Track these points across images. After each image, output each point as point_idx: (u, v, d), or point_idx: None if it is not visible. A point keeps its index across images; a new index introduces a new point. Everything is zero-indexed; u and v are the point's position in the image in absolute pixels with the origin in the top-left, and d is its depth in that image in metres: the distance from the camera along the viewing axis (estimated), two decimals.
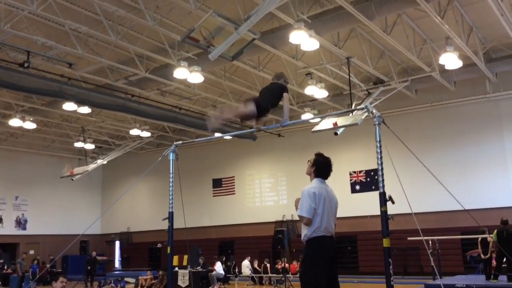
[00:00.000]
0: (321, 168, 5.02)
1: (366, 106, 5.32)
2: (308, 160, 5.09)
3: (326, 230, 4.72)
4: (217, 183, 24.59)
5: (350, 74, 14.62)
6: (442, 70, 15.42)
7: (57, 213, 26.11)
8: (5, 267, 21.87)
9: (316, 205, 4.69)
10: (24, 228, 25.56)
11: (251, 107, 5.38)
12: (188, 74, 13.54)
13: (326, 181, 5.06)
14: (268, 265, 19.16)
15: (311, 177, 5.04)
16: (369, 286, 14.81)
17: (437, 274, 9.04)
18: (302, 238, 4.83)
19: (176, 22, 12.30)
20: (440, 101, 18.39)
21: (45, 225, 25.60)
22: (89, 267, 19.82)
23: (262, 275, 19.12)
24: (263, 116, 5.85)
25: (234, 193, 23.81)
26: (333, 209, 4.88)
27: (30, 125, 19.15)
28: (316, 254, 4.66)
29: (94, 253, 21.12)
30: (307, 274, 4.68)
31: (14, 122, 18.65)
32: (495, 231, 12.39)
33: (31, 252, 24.40)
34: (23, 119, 18.73)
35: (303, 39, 11.38)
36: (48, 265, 18.62)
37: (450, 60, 13.47)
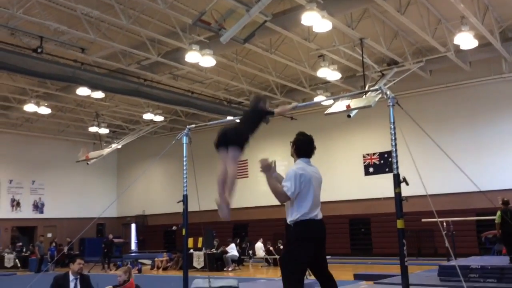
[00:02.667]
0: (301, 146, 4.73)
1: (380, 87, 5.27)
2: (290, 141, 4.83)
3: (313, 213, 4.50)
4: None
5: (364, 55, 14.46)
6: (457, 50, 15.19)
7: (73, 196, 26.49)
8: (24, 250, 22.36)
9: (301, 189, 4.46)
10: (42, 212, 26.02)
11: (234, 159, 4.46)
12: (199, 58, 13.51)
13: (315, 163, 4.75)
14: (281, 246, 19.29)
15: (294, 159, 4.76)
16: (383, 267, 14.85)
17: (452, 255, 9.03)
18: (288, 220, 4.59)
19: (187, 5, 12.24)
20: (455, 81, 18.16)
21: (62, 209, 26.01)
22: (106, 250, 20.12)
23: (275, 256, 19.27)
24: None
25: (248, 177, 23.86)
26: (319, 191, 4.64)
27: (45, 110, 19.36)
28: (299, 238, 4.48)
29: (110, 236, 21.42)
30: (288, 256, 4.57)
31: (29, 107, 18.88)
32: (498, 212, 12.27)
33: (49, 235, 24.85)
34: (38, 104, 18.94)
35: (316, 20, 11.26)
36: (65, 248, 18.95)
37: (465, 40, 13.26)
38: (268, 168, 4.62)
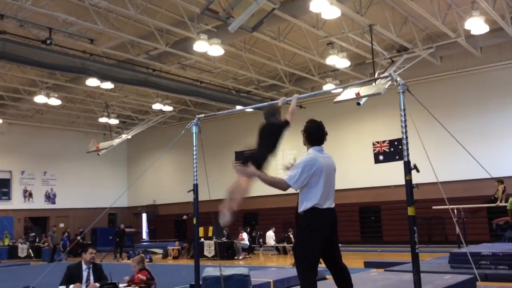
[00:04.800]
0: (312, 133, 4.71)
1: (390, 74, 5.22)
2: (301, 131, 4.80)
3: (323, 201, 4.49)
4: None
5: (373, 42, 14.34)
6: (468, 35, 15.00)
7: (85, 187, 26.74)
8: (37, 240, 22.66)
9: (310, 180, 4.45)
10: (54, 202, 26.31)
11: (250, 174, 4.67)
12: (208, 47, 13.48)
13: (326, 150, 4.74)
14: (291, 235, 19.35)
15: (307, 147, 4.76)
16: (393, 255, 14.86)
17: (463, 242, 8.99)
18: (299, 210, 4.61)
19: None
20: (465, 67, 17.97)
21: (74, 199, 26.28)
22: (118, 239, 20.32)
23: (285, 245, 19.35)
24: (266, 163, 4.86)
25: None
26: (331, 179, 4.62)
27: (55, 101, 19.48)
28: (311, 226, 4.48)
29: (122, 226, 21.62)
30: (300, 245, 4.56)
31: (39, 98, 19.01)
32: (510, 198, 12.27)
33: (61, 225, 25.15)
34: (48, 96, 19.06)
35: (324, 7, 11.17)
36: (79, 237, 19.16)
37: (476, 25, 13.08)
38: (252, 174, 4.63)
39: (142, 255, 8.57)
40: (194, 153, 6.74)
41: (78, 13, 12.64)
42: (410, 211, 4.58)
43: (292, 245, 19.04)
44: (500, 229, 15.81)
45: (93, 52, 15.14)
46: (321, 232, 4.49)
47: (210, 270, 6.97)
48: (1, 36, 12.69)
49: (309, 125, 4.77)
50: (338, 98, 13.84)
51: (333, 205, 4.62)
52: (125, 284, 6.95)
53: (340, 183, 4.88)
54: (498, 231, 16.27)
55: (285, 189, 4.54)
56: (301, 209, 4.61)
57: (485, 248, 9.71)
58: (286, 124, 5.05)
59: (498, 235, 16.36)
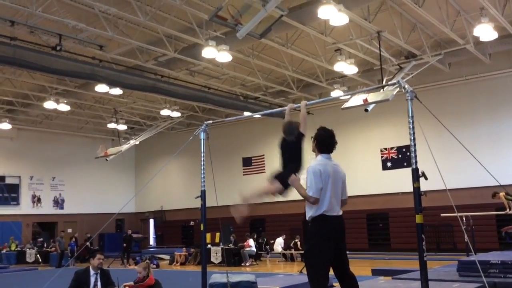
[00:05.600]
0: (322, 141, 4.75)
1: (398, 81, 5.22)
2: (311, 137, 4.87)
3: (331, 209, 4.51)
4: (247, 161, 24.73)
5: (381, 48, 14.31)
6: (477, 42, 14.94)
7: (93, 192, 26.84)
8: (45, 245, 22.74)
9: (323, 184, 4.49)
10: (62, 208, 26.43)
11: (276, 186, 4.91)
12: (216, 53, 13.54)
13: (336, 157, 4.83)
14: (298, 242, 19.29)
15: (316, 154, 4.81)
16: (401, 262, 14.75)
17: (472, 250, 8.92)
18: (307, 217, 4.64)
19: (204, 1, 12.25)
20: (474, 74, 17.89)
21: (82, 204, 26.39)
22: (125, 245, 20.34)
23: (293, 252, 19.28)
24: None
25: (265, 172, 23.88)
26: (339, 187, 4.65)
27: (64, 107, 19.62)
28: (319, 233, 4.50)
29: (129, 231, 21.65)
30: (310, 253, 4.57)
31: (49, 104, 19.16)
32: None
33: (69, 230, 25.23)
34: (57, 102, 19.21)
35: (332, 14, 11.20)
36: (87, 243, 19.19)
37: (485, 32, 13.04)
38: (294, 182, 4.74)
39: (148, 261, 8.59)
40: (202, 159, 6.76)
41: (87, 19, 12.76)
42: (418, 218, 4.56)
43: (298, 252, 19.02)
44: (509, 237, 15.68)
45: (102, 59, 15.25)
46: (330, 239, 4.50)
47: (217, 276, 6.97)
48: (12, 42, 12.81)
49: (321, 132, 4.80)
50: (346, 105, 13.81)
51: (340, 213, 4.63)
52: None
53: (348, 189, 4.88)
54: (507, 239, 16.12)
55: (313, 203, 4.54)
56: (308, 215, 4.63)
57: (494, 256, 9.62)
58: (302, 136, 5.13)
59: (507, 243, 16.21)
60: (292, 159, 4.98)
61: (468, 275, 8.93)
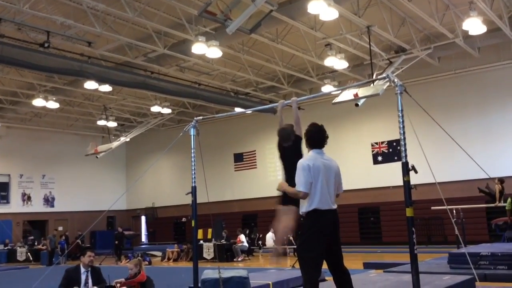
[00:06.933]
0: (312, 137, 4.79)
1: (388, 75, 5.23)
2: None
3: (323, 203, 4.54)
4: (238, 157, 24.73)
5: (371, 43, 14.35)
6: (466, 36, 15.03)
7: (83, 190, 26.70)
8: (36, 243, 22.60)
9: (313, 179, 4.52)
10: (52, 205, 26.26)
11: (291, 215, 4.98)
12: (206, 49, 13.49)
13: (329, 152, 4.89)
14: (291, 237, 19.30)
15: (308, 150, 4.86)
16: (392, 255, 14.85)
17: (462, 242, 8.99)
18: (300, 212, 4.70)
19: None
20: (464, 68, 18.00)
21: (72, 202, 26.25)
22: (117, 242, 20.26)
23: (285, 246, 19.30)
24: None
25: (256, 167, 23.93)
26: (331, 181, 4.68)
27: (53, 104, 19.47)
28: (312, 228, 4.54)
29: (120, 229, 21.57)
30: (303, 246, 4.61)
31: (38, 102, 18.99)
32: (509, 198, 12.28)
33: (60, 228, 25.09)
34: (46, 99, 19.05)
35: (322, 9, 11.19)
36: (78, 240, 19.08)
37: (474, 26, 13.11)
38: (283, 187, 4.86)
39: (140, 258, 8.56)
40: (193, 155, 6.73)
41: (76, 16, 12.63)
42: (409, 212, 4.59)
43: (290, 247, 19.05)
44: (499, 229, 15.79)
45: (91, 55, 15.13)
46: (324, 233, 4.54)
47: (209, 272, 6.96)
48: None
49: (310, 128, 4.84)
50: (337, 100, 13.81)
51: (334, 207, 4.66)
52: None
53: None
54: (497, 231, 16.25)
55: (302, 198, 4.61)
56: (301, 210, 4.66)
57: (484, 248, 9.70)
58: (299, 139, 5.21)
59: (497, 235, 16.35)
60: (292, 168, 4.88)
61: (458, 267, 9.01)
